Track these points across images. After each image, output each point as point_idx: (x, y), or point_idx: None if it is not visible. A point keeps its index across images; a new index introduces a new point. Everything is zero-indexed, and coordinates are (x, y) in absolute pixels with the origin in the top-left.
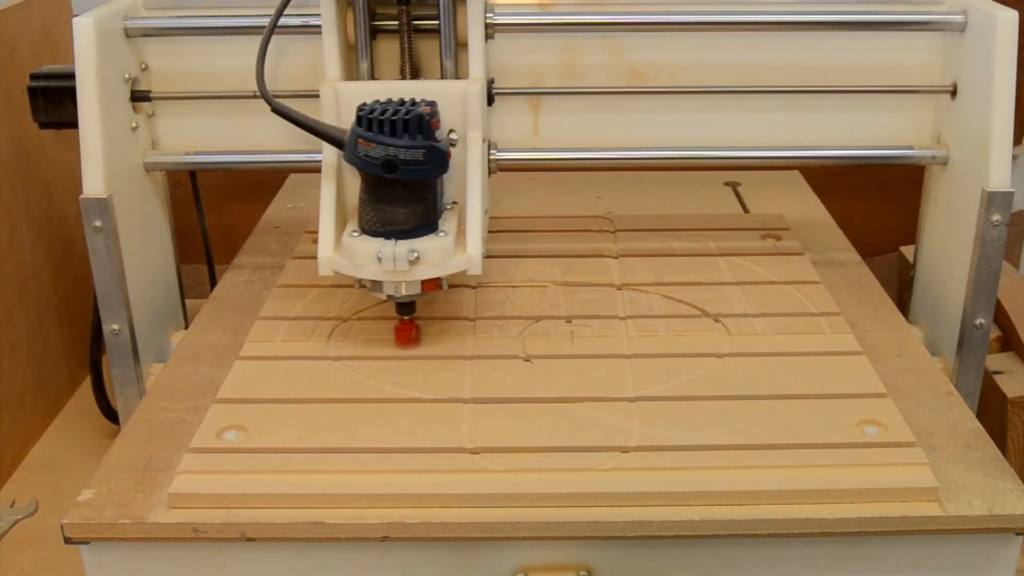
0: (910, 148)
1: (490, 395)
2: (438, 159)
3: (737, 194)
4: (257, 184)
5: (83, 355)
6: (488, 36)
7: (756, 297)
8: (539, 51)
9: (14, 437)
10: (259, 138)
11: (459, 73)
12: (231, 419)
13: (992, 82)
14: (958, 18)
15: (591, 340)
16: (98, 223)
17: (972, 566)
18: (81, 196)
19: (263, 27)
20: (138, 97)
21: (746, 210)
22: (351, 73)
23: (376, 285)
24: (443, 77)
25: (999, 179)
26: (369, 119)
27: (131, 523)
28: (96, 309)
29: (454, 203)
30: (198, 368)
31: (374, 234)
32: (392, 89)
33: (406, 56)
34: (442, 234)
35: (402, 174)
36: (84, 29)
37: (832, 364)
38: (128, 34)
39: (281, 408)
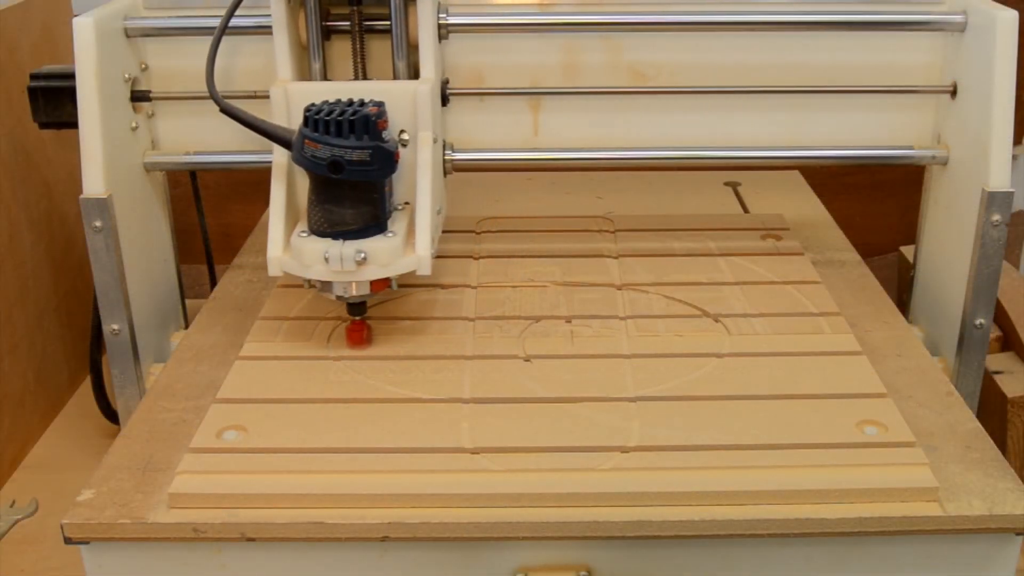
0: (910, 148)
1: (490, 395)
2: (385, 160)
3: (737, 194)
4: (257, 184)
5: (83, 355)
6: (441, 36)
7: (756, 297)
8: (539, 51)
9: (14, 437)
10: (259, 138)
11: (411, 74)
12: (231, 419)
13: (992, 82)
14: (958, 18)
15: (591, 340)
16: (98, 223)
17: (972, 566)
18: (81, 196)
19: (263, 27)
20: (138, 97)
21: (746, 210)
22: (304, 74)
23: (326, 286)
24: (395, 78)
25: (999, 179)
26: (316, 119)
27: (131, 523)
28: (96, 309)
29: (406, 203)
30: (198, 368)
31: (322, 234)
32: (342, 89)
33: (358, 56)
34: (390, 235)
35: (349, 175)
36: (84, 29)
37: (832, 364)
38: (128, 34)
39: (281, 408)
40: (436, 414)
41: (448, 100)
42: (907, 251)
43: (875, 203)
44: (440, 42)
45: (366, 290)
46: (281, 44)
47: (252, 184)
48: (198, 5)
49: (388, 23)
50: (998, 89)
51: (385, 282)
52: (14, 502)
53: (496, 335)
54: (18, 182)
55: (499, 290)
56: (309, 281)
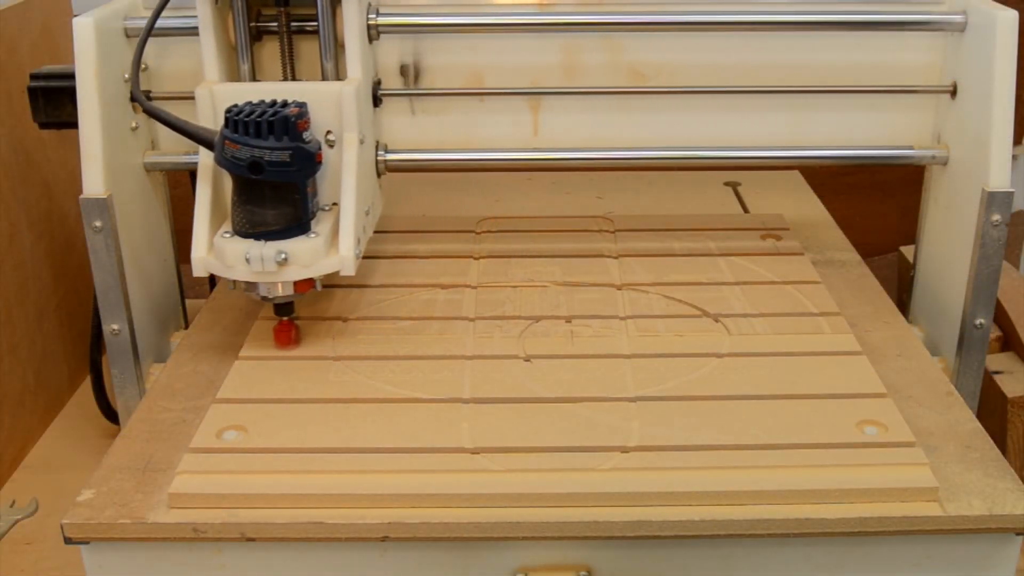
0: (910, 148)
1: (490, 395)
2: (305, 160)
3: (737, 194)
4: None
5: (83, 355)
6: (372, 37)
7: (756, 297)
8: (539, 51)
9: (14, 437)
10: None
11: (340, 74)
12: (231, 419)
13: (992, 82)
14: (958, 18)
15: (591, 340)
16: (98, 223)
17: (972, 566)
18: (81, 196)
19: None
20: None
21: (746, 210)
22: (234, 75)
23: (251, 286)
24: (324, 78)
25: (999, 179)
26: (235, 120)
27: (131, 523)
28: (96, 309)
29: (334, 204)
30: (198, 368)
31: (244, 235)
32: (268, 90)
33: (287, 57)
34: (313, 235)
35: (268, 175)
36: (84, 29)
37: (832, 364)
38: (128, 34)
39: (281, 408)
40: (436, 414)
41: (380, 101)
42: (907, 251)
43: (875, 203)
44: (371, 42)
45: (290, 291)
46: (208, 45)
47: None
48: (191, 5)
49: (316, 24)
50: (998, 89)
51: (309, 283)
52: (14, 502)
53: (496, 335)
54: (18, 182)
55: (499, 290)
56: (235, 282)
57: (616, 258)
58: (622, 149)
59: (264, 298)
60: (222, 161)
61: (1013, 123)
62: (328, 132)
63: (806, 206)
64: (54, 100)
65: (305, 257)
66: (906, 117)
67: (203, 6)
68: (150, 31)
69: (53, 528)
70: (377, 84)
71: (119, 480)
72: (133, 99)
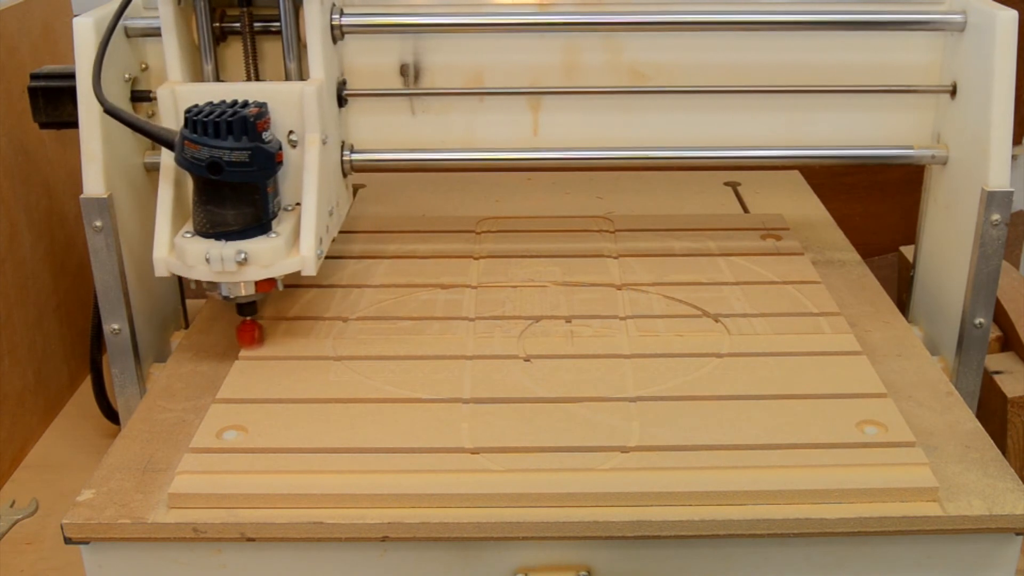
0: (910, 148)
1: (490, 395)
2: (265, 161)
3: (737, 194)
4: None
5: (83, 355)
6: (336, 38)
7: (756, 297)
8: (539, 51)
9: (14, 437)
10: None
11: (303, 74)
12: (231, 419)
13: (992, 81)
14: (958, 18)
15: (591, 340)
16: (98, 223)
17: (972, 566)
18: (82, 196)
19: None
20: (138, 97)
21: (746, 210)
22: (198, 75)
23: (213, 286)
24: (287, 79)
25: (998, 178)
26: (195, 120)
27: (131, 523)
28: (97, 308)
29: (298, 204)
30: (198, 368)
31: (205, 235)
32: (230, 91)
33: (250, 58)
34: (273, 235)
35: (228, 176)
36: (84, 29)
37: (832, 364)
38: (128, 34)
39: (281, 408)
40: (436, 414)
41: (345, 101)
42: (907, 251)
43: (875, 203)
44: (336, 43)
45: (252, 290)
46: (171, 46)
47: None
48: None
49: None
50: (998, 88)
51: (271, 283)
52: (14, 502)
53: (496, 335)
54: (18, 182)
55: (499, 290)
56: (196, 282)
57: (616, 258)
58: (622, 149)
59: (226, 298)
60: (182, 161)
61: (1013, 123)
62: (290, 132)
63: (806, 206)
64: (55, 100)
65: (265, 257)
66: (906, 117)
67: (165, 6)
68: (112, 31)
69: (53, 528)
70: (342, 84)
71: (119, 480)
72: (141, 99)
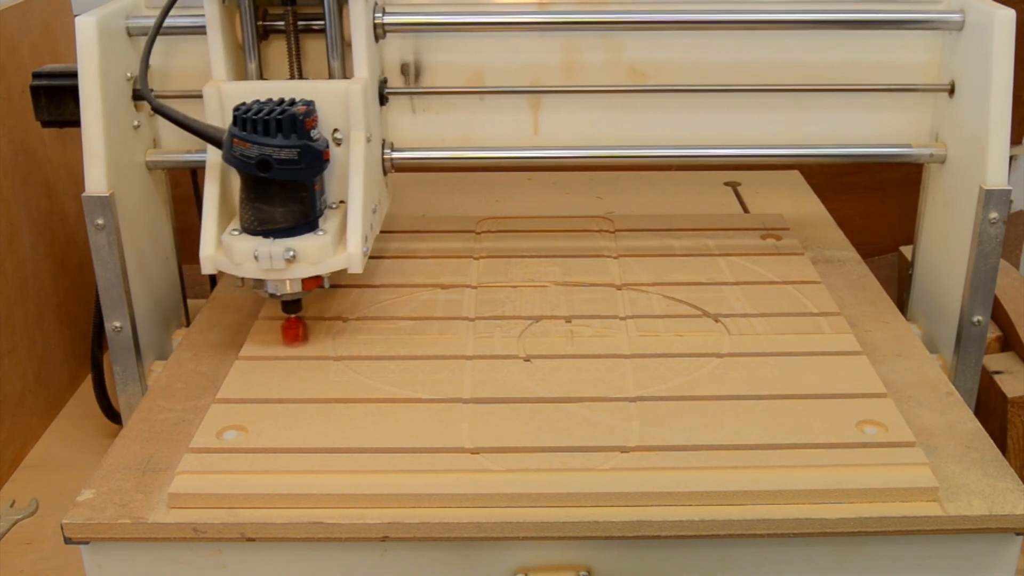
0: (908, 147)
1: (490, 395)
2: (313, 159)
3: (737, 194)
4: None
5: (83, 355)
6: (378, 36)
7: (756, 297)
8: (539, 50)
9: (14, 437)
10: None
11: (347, 73)
12: (231, 419)
13: (990, 80)
14: (956, 17)
15: (591, 340)
16: (100, 221)
17: (972, 566)
18: (84, 194)
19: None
20: (140, 96)
21: (746, 210)
22: (241, 74)
23: (259, 284)
24: (330, 77)
25: (996, 177)
26: (244, 118)
27: (131, 523)
28: (98, 307)
29: (341, 202)
30: (198, 368)
31: (253, 233)
32: (275, 89)
33: (294, 56)
34: (321, 233)
35: (277, 173)
36: (86, 28)
37: (832, 364)
38: (130, 33)
39: (281, 408)
40: (436, 414)
41: (387, 99)
42: (907, 251)
43: (875, 203)
44: (377, 41)
45: (299, 288)
46: (215, 44)
47: None
48: (199, 4)
49: (324, 23)
50: (996, 87)
51: (317, 280)
52: (14, 502)
53: (496, 335)
54: (19, 181)
55: (499, 290)
56: (243, 279)
57: (616, 258)
58: (622, 148)
59: (272, 295)
60: (230, 159)
61: (1011, 122)
62: (335, 130)
63: (806, 206)
64: (57, 99)
65: (313, 254)
66: (904, 116)
67: (211, 5)
68: (159, 30)
69: (53, 528)
70: (383, 83)
71: (119, 480)
72: (142, 97)
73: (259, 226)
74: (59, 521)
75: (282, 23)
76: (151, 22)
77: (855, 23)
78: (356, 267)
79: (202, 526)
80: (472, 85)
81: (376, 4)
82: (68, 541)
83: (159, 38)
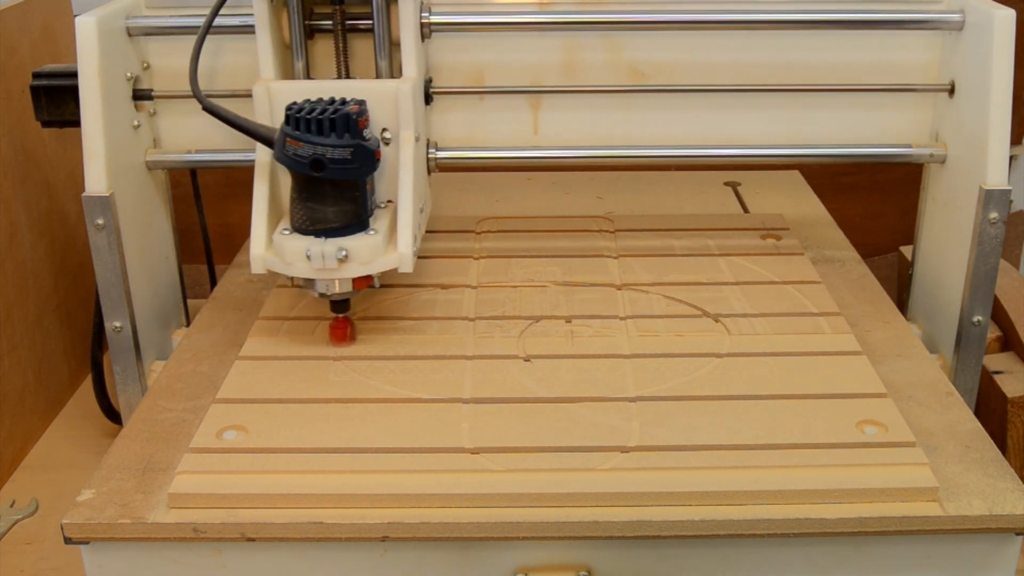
0: (908, 147)
1: (490, 395)
2: (366, 158)
3: (737, 194)
4: None
5: (83, 355)
6: (424, 36)
7: (756, 297)
8: (539, 50)
9: (14, 437)
10: None
11: (394, 72)
12: (231, 419)
13: (990, 80)
14: (956, 17)
15: (591, 340)
16: (100, 221)
17: (972, 566)
18: (84, 194)
19: (247, 26)
20: (140, 96)
21: (746, 210)
22: (288, 73)
23: (309, 283)
24: (378, 76)
25: (996, 177)
26: (297, 118)
27: (131, 523)
28: (98, 307)
29: (389, 202)
30: (198, 368)
31: (304, 232)
32: (324, 88)
33: (341, 56)
34: (372, 232)
35: (330, 173)
36: (86, 28)
37: (832, 364)
38: (130, 33)
39: (281, 408)
40: (436, 414)
41: (432, 99)
42: (907, 251)
43: (875, 203)
44: (423, 41)
45: (348, 287)
46: (264, 43)
47: (251, 184)
48: (200, 4)
49: (371, 22)
50: (996, 87)
51: (367, 280)
52: (14, 502)
53: (496, 335)
54: (19, 181)
55: (499, 290)
56: (292, 279)
57: (616, 258)
58: (622, 148)
59: (322, 295)
60: (283, 158)
61: (1011, 122)
62: (384, 130)
63: (806, 206)
64: (57, 99)
65: (365, 254)
66: (904, 116)
67: (259, 4)
68: (208, 29)
69: (53, 528)
70: (429, 82)
71: (119, 480)
72: (142, 97)
73: (311, 225)
74: (59, 521)
75: (326, 22)
76: (151, 22)
77: (855, 23)
78: (406, 267)
79: (202, 526)
80: (472, 85)
81: (422, 3)
82: (68, 541)
83: (156, 38)
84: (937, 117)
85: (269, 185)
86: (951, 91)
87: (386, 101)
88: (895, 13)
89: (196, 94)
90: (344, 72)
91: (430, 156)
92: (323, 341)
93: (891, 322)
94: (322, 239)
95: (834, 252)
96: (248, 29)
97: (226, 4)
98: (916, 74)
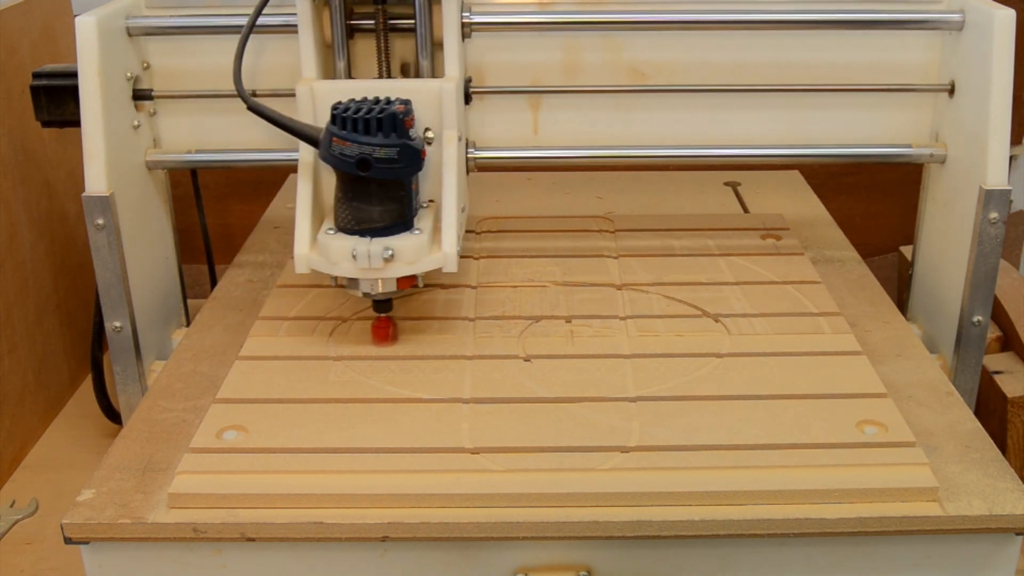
0: (908, 147)
1: (490, 395)
2: (412, 157)
3: (737, 194)
4: (257, 183)
5: (83, 354)
6: (465, 35)
7: (756, 297)
8: (539, 50)
9: (14, 437)
10: (260, 137)
11: (436, 72)
12: (231, 419)
13: (990, 80)
14: (956, 17)
15: (591, 340)
16: (100, 221)
17: (972, 566)
18: (84, 194)
19: (265, 26)
20: (140, 96)
21: (746, 210)
22: (328, 72)
23: (352, 283)
24: (419, 76)
25: (996, 177)
26: (343, 117)
27: (131, 523)
28: (98, 307)
29: (430, 201)
30: (198, 368)
31: (349, 232)
32: (368, 88)
33: (383, 55)
34: (417, 232)
35: (376, 172)
36: (86, 28)
37: (832, 364)
38: (130, 33)
39: (281, 408)
40: (436, 414)
41: (471, 98)
42: (907, 251)
43: (875, 203)
44: (463, 40)
45: (392, 287)
46: (307, 43)
47: (251, 184)
48: (200, 4)
49: (411, 22)
50: (996, 87)
51: (411, 279)
52: (14, 502)
53: (496, 335)
54: (19, 181)
55: (499, 290)
56: (336, 279)
57: (616, 258)
58: (622, 148)
59: (366, 294)
60: (329, 158)
61: (1011, 122)
62: (427, 129)
63: (806, 206)
64: (57, 98)
65: (410, 254)
66: (904, 116)
67: (302, 4)
68: (251, 29)
69: (53, 528)
70: (468, 81)
71: (119, 480)
72: (142, 97)
73: (356, 225)
74: (59, 521)
75: (365, 22)
76: (151, 22)
77: (855, 23)
78: (451, 266)
79: (202, 526)
80: (472, 84)
81: (463, 3)
82: (68, 541)
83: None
84: (937, 117)
85: (313, 185)
86: (951, 91)
87: (430, 100)
88: (895, 13)
89: (241, 94)
90: (386, 72)
91: (469, 156)
92: (323, 341)
93: (891, 322)
94: (367, 239)
95: (834, 252)
96: (283, 29)
97: (216, 4)
98: (916, 74)
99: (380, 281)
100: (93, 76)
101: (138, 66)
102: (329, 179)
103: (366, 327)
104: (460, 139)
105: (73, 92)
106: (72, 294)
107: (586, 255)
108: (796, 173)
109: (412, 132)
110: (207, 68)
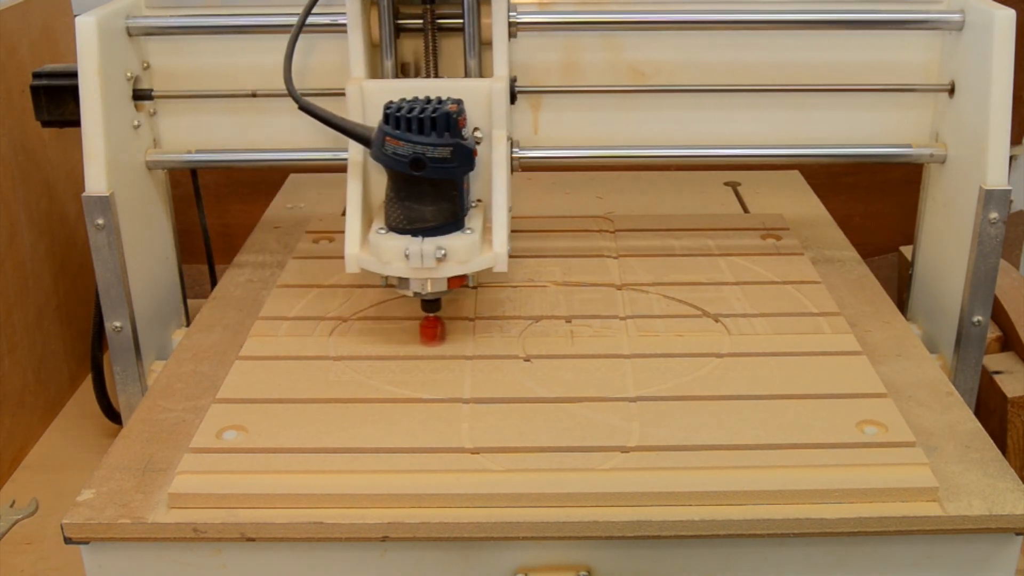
0: (908, 146)
1: (490, 395)
2: (465, 157)
3: (737, 194)
4: (257, 183)
5: (83, 355)
6: (511, 35)
7: (756, 297)
8: (539, 49)
9: (14, 437)
10: (260, 137)
11: (483, 71)
12: (231, 419)
13: (990, 80)
14: (956, 17)
15: (591, 340)
16: (100, 221)
17: (972, 566)
18: (84, 194)
19: (265, 26)
20: (140, 96)
21: (746, 210)
22: (375, 71)
23: (403, 282)
24: (467, 75)
25: (996, 177)
26: (397, 117)
27: (131, 523)
28: (98, 307)
29: (478, 201)
30: (198, 368)
31: (401, 231)
32: (418, 87)
33: (430, 55)
34: (468, 231)
35: (430, 172)
36: (87, 28)
37: (832, 364)
38: (130, 33)
39: (281, 408)
40: (436, 414)
41: (516, 98)
42: (907, 251)
43: (875, 203)
44: (510, 40)
45: (443, 287)
46: (356, 42)
47: (251, 184)
48: (200, 4)
49: (459, 21)
50: (996, 87)
51: (462, 279)
52: (14, 502)
53: (496, 335)
54: (19, 181)
55: (499, 290)
56: (387, 278)
57: (616, 258)
58: (622, 148)
59: (416, 294)
60: (382, 157)
61: (1011, 122)
62: (475, 129)
63: (806, 206)
64: (57, 98)
65: (462, 253)
66: (904, 116)
67: (352, 3)
68: (301, 28)
69: (53, 528)
70: (513, 81)
71: (119, 480)
72: (142, 97)
73: (408, 225)
74: (59, 521)
75: (412, 22)
76: (151, 22)
77: (855, 23)
78: (502, 266)
79: (202, 526)
80: None
81: (509, 3)
82: (68, 541)
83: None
84: (937, 117)
85: (363, 184)
86: (951, 91)
87: (480, 100)
88: (895, 13)
89: (292, 93)
90: (433, 71)
91: (514, 156)
92: (323, 341)
93: (891, 322)
94: (419, 238)
95: (834, 252)
96: (328, 28)
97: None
98: (916, 74)
99: (430, 281)
100: (93, 76)
101: (138, 66)
102: (377, 178)
103: (366, 327)
104: (508, 139)
105: (73, 92)
106: (72, 294)
107: (586, 255)
108: (796, 173)
109: (465, 131)
110: (207, 68)
